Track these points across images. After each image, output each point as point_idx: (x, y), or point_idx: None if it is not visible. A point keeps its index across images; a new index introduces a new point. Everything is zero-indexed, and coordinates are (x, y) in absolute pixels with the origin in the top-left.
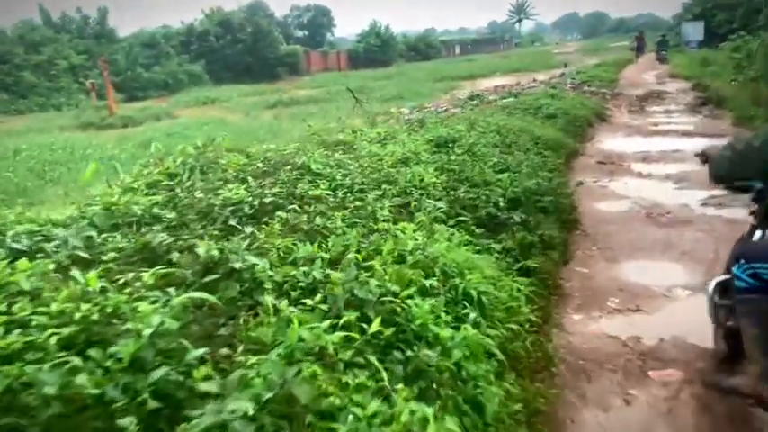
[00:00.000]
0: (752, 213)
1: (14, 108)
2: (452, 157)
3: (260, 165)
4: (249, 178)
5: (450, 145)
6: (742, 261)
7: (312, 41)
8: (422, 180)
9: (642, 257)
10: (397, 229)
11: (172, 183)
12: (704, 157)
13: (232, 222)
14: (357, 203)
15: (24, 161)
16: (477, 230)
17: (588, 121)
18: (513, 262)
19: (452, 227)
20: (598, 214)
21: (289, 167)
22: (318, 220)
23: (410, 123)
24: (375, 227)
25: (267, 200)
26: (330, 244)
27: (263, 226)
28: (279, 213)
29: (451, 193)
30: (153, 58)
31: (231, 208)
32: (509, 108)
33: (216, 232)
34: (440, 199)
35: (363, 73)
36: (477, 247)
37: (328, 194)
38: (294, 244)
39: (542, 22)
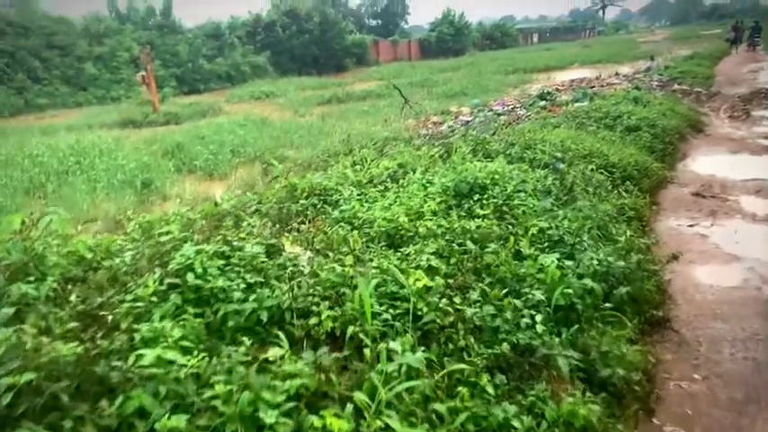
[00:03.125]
0: None
1: (73, 100)
2: (471, 224)
3: (120, 261)
4: (75, 298)
5: (475, 197)
6: None
7: (385, 30)
8: (400, 287)
9: None
10: None
11: None
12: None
13: None
14: (229, 384)
15: (27, 170)
16: (494, 381)
17: (680, 134)
18: None
19: (445, 384)
20: (697, 293)
21: (158, 274)
22: None
23: (438, 147)
24: None
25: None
26: None
27: None
28: None
29: (454, 302)
30: (217, 49)
31: None
32: (580, 117)
33: None
34: (428, 324)
35: (433, 63)
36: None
37: (173, 361)
38: None
39: (628, 8)
